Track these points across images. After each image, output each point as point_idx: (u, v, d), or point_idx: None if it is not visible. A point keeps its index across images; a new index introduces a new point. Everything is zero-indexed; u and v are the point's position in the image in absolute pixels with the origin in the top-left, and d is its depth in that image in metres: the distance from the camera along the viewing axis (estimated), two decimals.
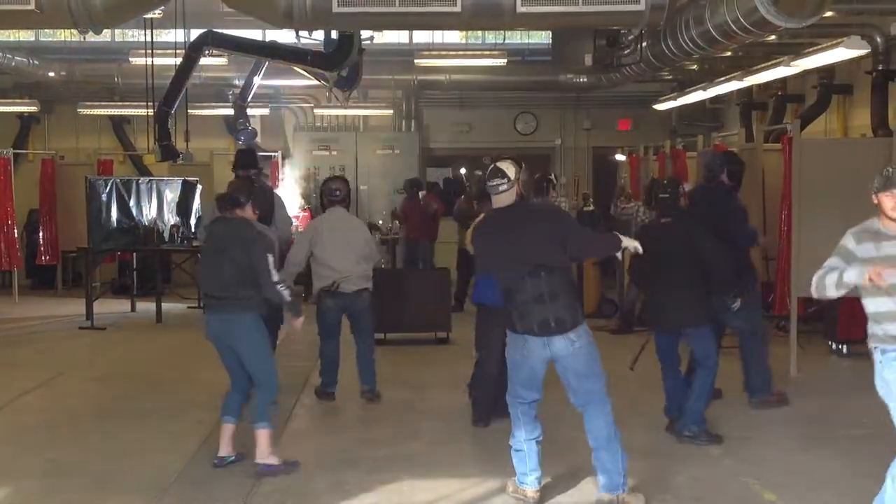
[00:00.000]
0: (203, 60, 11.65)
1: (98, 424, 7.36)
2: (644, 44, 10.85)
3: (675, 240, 6.68)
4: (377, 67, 14.40)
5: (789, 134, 9.37)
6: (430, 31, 15.81)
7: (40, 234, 14.91)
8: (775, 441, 6.80)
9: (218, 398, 7.87)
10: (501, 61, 14.55)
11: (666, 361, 7.03)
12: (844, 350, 9.72)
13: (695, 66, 13.67)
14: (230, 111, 15.65)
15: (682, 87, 15.18)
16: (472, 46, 16.54)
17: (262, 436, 6.06)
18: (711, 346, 6.80)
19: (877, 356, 4.68)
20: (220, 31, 11.20)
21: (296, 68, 11.98)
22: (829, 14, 7.94)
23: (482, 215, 6.24)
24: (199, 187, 14.11)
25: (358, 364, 8.05)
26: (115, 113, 16.41)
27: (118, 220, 12.85)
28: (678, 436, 6.73)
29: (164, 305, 12.60)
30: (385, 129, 17.22)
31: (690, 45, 9.26)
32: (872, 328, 4.67)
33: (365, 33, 11.12)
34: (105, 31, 8.24)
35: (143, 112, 12.58)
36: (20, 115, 16.59)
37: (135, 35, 15.29)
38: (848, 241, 4.78)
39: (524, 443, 5.59)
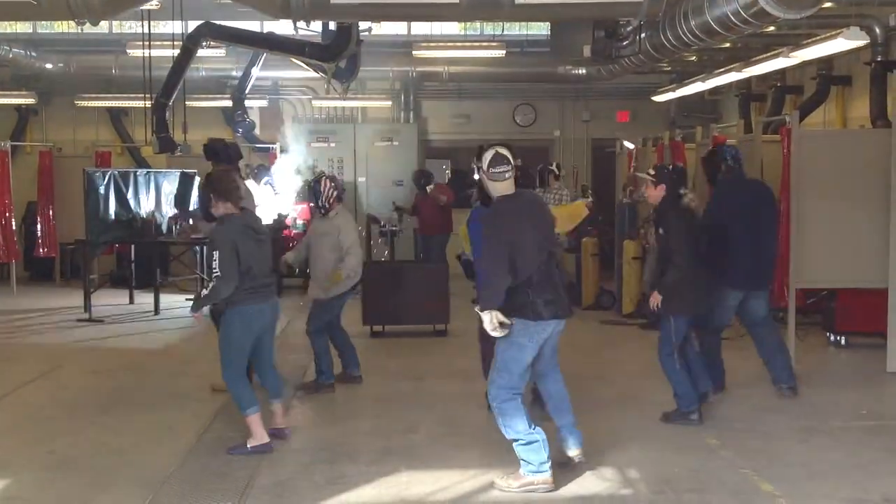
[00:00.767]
0: (201, 52, 11.63)
1: (96, 417, 7.36)
2: (643, 35, 10.81)
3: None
4: (375, 59, 14.36)
5: (788, 125, 9.36)
6: (429, 23, 15.77)
7: (38, 226, 14.90)
8: (773, 432, 6.81)
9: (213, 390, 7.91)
10: (500, 53, 14.52)
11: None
12: (843, 342, 9.73)
13: (694, 58, 13.65)
14: (228, 103, 15.64)
15: (681, 79, 15.16)
16: (471, 38, 16.50)
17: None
18: None
19: None
20: (217, 22, 11.18)
21: (294, 60, 11.96)
22: (827, 5, 7.93)
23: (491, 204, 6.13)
24: (198, 179, 14.09)
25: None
26: (113, 105, 16.39)
27: (116, 213, 12.84)
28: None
29: (163, 297, 12.60)
30: (383, 121, 17.20)
31: (689, 36, 9.22)
32: None
33: (363, 24, 11.09)
34: (102, 22, 8.21)
35: (140, 104, 12.56)
36: (18, 107, 16.56)
37: (132, 26, 15.26)
38: None
39: (536, 432, 5.61)
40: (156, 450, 6.40)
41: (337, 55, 10.88)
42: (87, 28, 8.48)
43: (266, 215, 13.76)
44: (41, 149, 15.53)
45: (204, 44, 11.46)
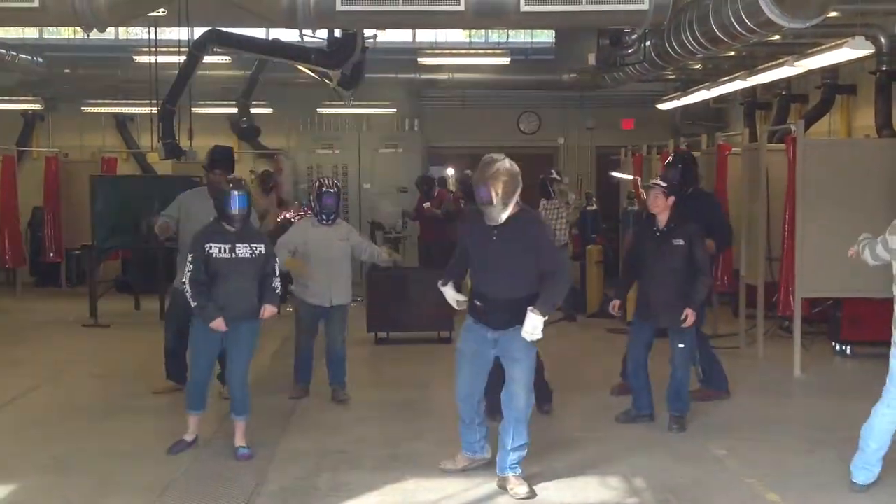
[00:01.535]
0: (207, 59, 11.64)
1: (101, 422, 7.37)
2: (647, 43, 10.83)
3: None
4: (380, 66, 14.39)
5: (793, 134, 9.36)
6: (434, 30, 15.79)
7: (44, 231, 14.92)
8: (779, 442, 6.80)
9: (221, 396, 7.90)
10: (505, 60, 14.53)
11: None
12: (848, 351, 9.72)
13: (698, 66, 13.65)
14: (234, 109, 15.66)
15: (686, 87, 15.14)
16: (476, 45, 16.52)
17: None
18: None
19: None
20: (223, 29, 11.19)
21: (299, 67, 11.97)
22: (833, 14, 7.92)
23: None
24: None
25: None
26: (119, 111, 16.42)
27: (122, 218, 12.83)
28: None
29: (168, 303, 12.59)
30: (388, 128, 17.22)
31: (694, 44, 9.23)
32: None
33: (368, 32, 11.11)
34: (109, 29, 8.23)
35: (146, 110, 12.58)
36: (24, 113, 16.59)
37: (139, 33, 15.29)
38: None
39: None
40: (161, 455, 6.40)
41: (342, 62, 10.90)
42: (94, 34, 8.50)
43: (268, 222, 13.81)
44: (47, 154, 15.56)
45: (210, 51, 11.47)
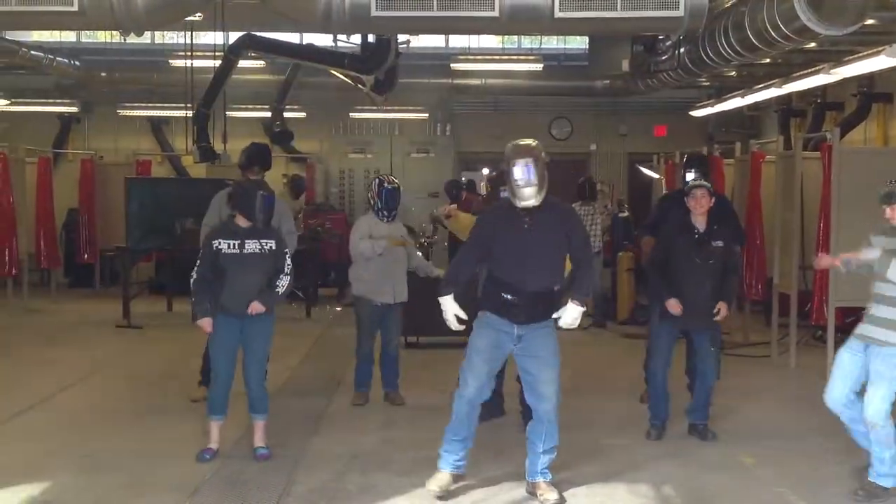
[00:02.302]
0: (241, 63, 11.73)
1: (133, 422, 7.44)
2: (682, 49, 10.78)
3: None
4: (413, 71, 14.43)
5: (829, 142, 9.29)
6: (467, 36, 15.81)
7: (79, 233, 15.08)
8: (809, 451, 6.73)
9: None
10: (538, 66, 14.53)
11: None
12: None
13: (733, 73, 13.57)
14: (267, 113, 15.77)
15: (720, 94, 15.08)
16: (509, 51, 16.53)
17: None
18: None
19: None
20: (258, 34, 11.28)
21: (333, 71, 12.04)
22: (870, 22, 7.83)
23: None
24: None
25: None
26: (154, 114, 16.59)
27: (156, 220, 12.95)
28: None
29: None
30: (419, 133, 17.26)
31: (729, 51, 9.19)
32: None
33: (401, 37, 11.15)
34: (146, 33, 8.32)
35: (181, 114, 12.70)
36: (61, 116, 16.81)
37: (174, 37, 15.44)
38: None
39: None
40: (191, 456, 6.44)
41: (376, 67, 10.94)
42: (131, 38, 8.61)
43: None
44: (83, 157, 15.73)
45: (245, 55, 11.56)
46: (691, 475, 6.20)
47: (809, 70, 11.13)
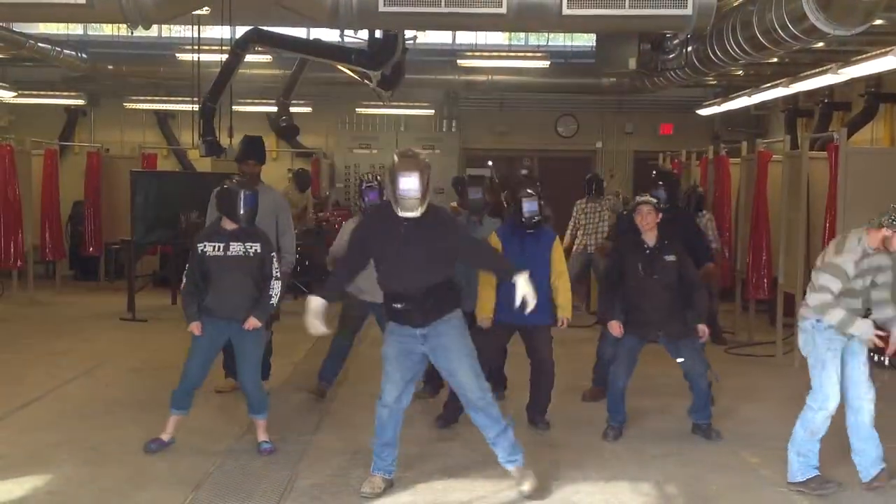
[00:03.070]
0: (248, 57, 11.71)
1: (137, 415, 7.45)
2: (689, 48, 10.77)
3: None
4: (419, 67, 14.42)
5: (836, 142, 9.27)
6: (474, 32, 15.79)
7: (84, 225, 15.10)
8: None
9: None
10: (544, 63, 14.52)
11: None
12: (886, 362, 9.59)
13: (740, 72, 13.56)
14: (273, 108, 15.76)
15: (727, 93, 15.06)
16: (515, 48, 16.52)
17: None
18: None
19: None
20: (265, 28, 11.26)
21: (339, 67, 12.02)
22: (878, 22, 7.83)
23: None
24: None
25: None
26: (161, 108, 16.60)
27: (161, 214, 12.96)
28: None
29: None
30: (425, 129, 17.25)
31: (737, 50, 9.17)
32: None
33: (408, 33, 11.13)
34: (153, 26, 8.32)
35: (187, 107, 12.69)
36: (67, 108, 16.84)
37: (181, 31, 15.43)
38: None
39: None
40: (195, 449, 6.46)
41: (382, 63, 10.93)
42: (138, 32, 8.59)
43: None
44: (89, 149, 15.73)
45: (252, 49, 11.55)
46: (695, 474, 6.20)
47: (817, 70, 11.11)
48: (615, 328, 6.95)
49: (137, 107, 16.40)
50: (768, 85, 12.80)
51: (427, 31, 13.25)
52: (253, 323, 6.40)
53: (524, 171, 15.15)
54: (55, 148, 14.80)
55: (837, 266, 5.65)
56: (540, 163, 17.95)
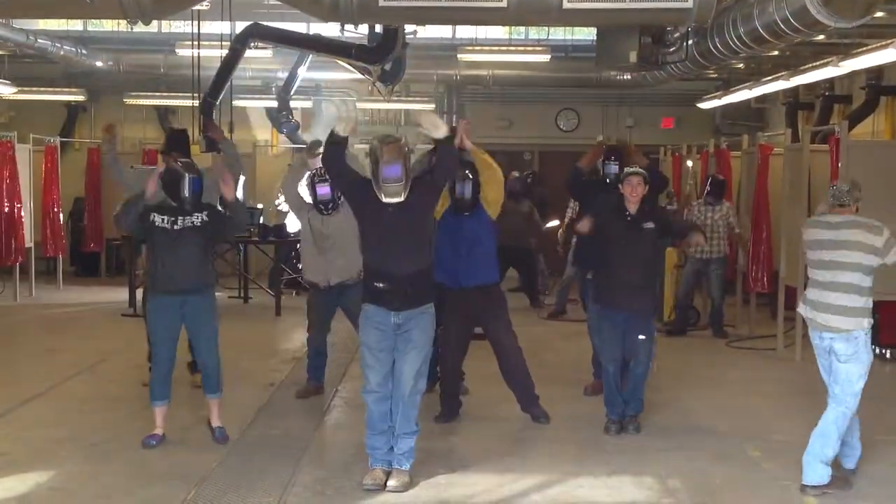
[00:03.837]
0: (248, 52, 11.70)
1: (140, 410, 7.43)
2: (690, 41, 10.75)
3: None
4: (420, 62, 14.39)
5: (837, 135, 9.26)
6: (474, 27, 15.77)
7: (85, 221, 15.09)
8: None
9: (259, 387, 7.98)
10: (545, 57, 14.49)
11: None
12: (888, 355, 9.61)
13: (741, 65, 13.53)
14: (274, 103, 15.75)
15: (727, 86, 15.03)
16: (516, 42, 16.48)
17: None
18: None
19: None
20: (265, 23, 11.26)
21: (339, 62, 12.01)
22: (879, 14, 7.82)
23: None
24: (242, 178, 14.16)
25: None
26: (161, 103, 16.57)
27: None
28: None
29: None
30: None
31: (737, 43, 9.16)
32: None
33: (408, 27, 11.11)
34: (152, 22, 8.31)
35: (188, 103, 12.68)
36: (67, 104, 16.81)
37: (181, 26, 15.41)
38: None
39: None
40: (198, 445, 6.47)
41: (383, 58, 10.91)
42: (137, 27, 8.58)
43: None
44: (89, 145, 15.73)
45: (251, 44, 11.54)
46: (697, 468, 6.20)
47: (818, 62, 11.09)
48: (585, 224, 7.04)
49: (137, 102, 16.37)
50: (769, 78, 12.78)
51: (427, 26, 13.22)
52: (228, 179, 6.47)
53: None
54: (55, 144, 14.79)
55: None
56: (541, 156, 17.98)
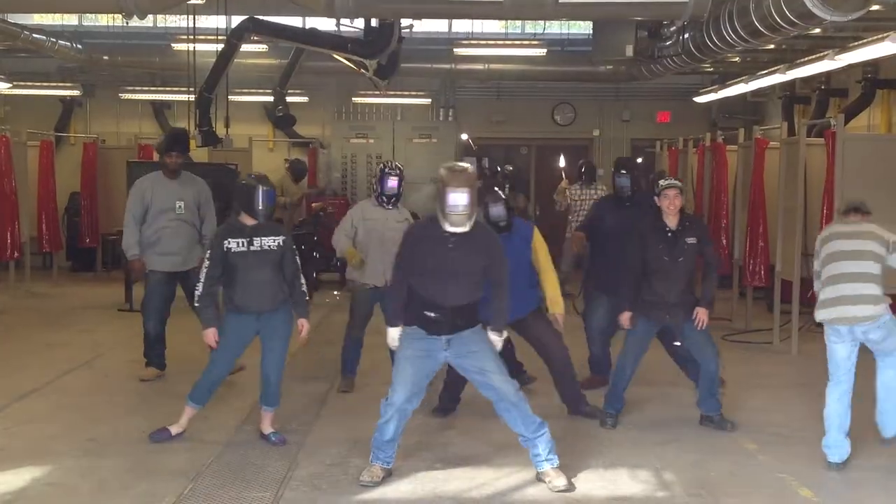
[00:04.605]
0: (244, 47, 11.69)
1: (136, 405, 7.46)
2: (686, 35, 10.75)
3: None
4: (416, 56, 14.39)
5: (833, 128, 9.26)
6: (470, 21, 15.76)
7: (81, 216, 15.08)
8: (812, 439, 6.70)
9: (255, 382, 7.95)
10: (541, 52, 14.49)
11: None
12: None
13: (737, 59, 13.53)
14: (269, 98, 15.74)
15: (724, 80, 15.04)
16: (512, 36, 16.49)
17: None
18: None
19: None
20: (261, 17, 11.24)
21: (335, 56, 12.00)
22: (875, 7, 7.81)
23: None
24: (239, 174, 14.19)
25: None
26: (157, 98, 16.55)
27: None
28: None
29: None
30: (422, 118, 17.22)
31: (733, 37, 9.15)
32: None
33: (404, 21, 11.11)
34: (148, 16, 8.30)
35: (183, 98, 12.67)
36: (63, 99, 16.78)
37: (177, 21, 15.40)
38: None
39: None
40: (194, 440, 6.47)
41: (378, 52, 10.91)
42: (133, 22, 8.59)
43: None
44: (85, 140, 15.70)
45: (247, 39, 11.52)
46: (693, 461, 6.21)
47: (814, 56, 11.09)
48: (626, 320, 6.92)
49: (133, 97, 16.36)
50: (765, 72, 12.78)
51: (423, 20, 13.21)
52: (306, 326, 6.52)
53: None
54: (51, 139, 14.76)
55: None
56: (537, 151, 17.99)
